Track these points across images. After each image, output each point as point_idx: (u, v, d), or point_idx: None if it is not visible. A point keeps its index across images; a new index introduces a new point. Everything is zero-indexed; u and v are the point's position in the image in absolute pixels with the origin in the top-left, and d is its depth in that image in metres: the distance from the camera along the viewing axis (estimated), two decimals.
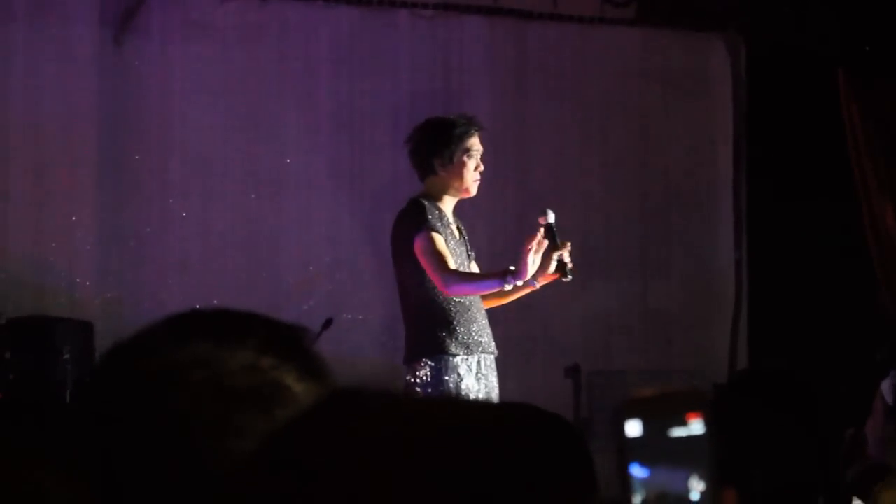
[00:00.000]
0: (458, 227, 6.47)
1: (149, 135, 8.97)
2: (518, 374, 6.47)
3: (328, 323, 7.85)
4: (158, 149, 8.98)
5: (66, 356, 7.68)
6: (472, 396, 6.18)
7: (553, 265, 6.34)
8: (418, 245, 6.23)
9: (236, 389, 1.45)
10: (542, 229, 6.28)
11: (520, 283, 6.13)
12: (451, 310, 6.26)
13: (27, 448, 1.43)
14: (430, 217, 6.24)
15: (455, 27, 9.63)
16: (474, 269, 6.50)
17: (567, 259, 6.29)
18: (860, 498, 4.08)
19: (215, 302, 8.45)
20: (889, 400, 5.31)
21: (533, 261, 6.18)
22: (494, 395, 6.30)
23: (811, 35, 9.29)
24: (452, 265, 6.20)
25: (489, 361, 6.38)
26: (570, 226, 9.34)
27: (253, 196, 9.09)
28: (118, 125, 8.88)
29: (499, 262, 6.62)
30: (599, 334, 9.71)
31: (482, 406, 1.24)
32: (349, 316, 8.95)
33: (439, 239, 6.22)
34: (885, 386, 5.50)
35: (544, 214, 6.37)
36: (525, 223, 6.57)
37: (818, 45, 9.30)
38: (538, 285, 6.29)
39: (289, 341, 1.52)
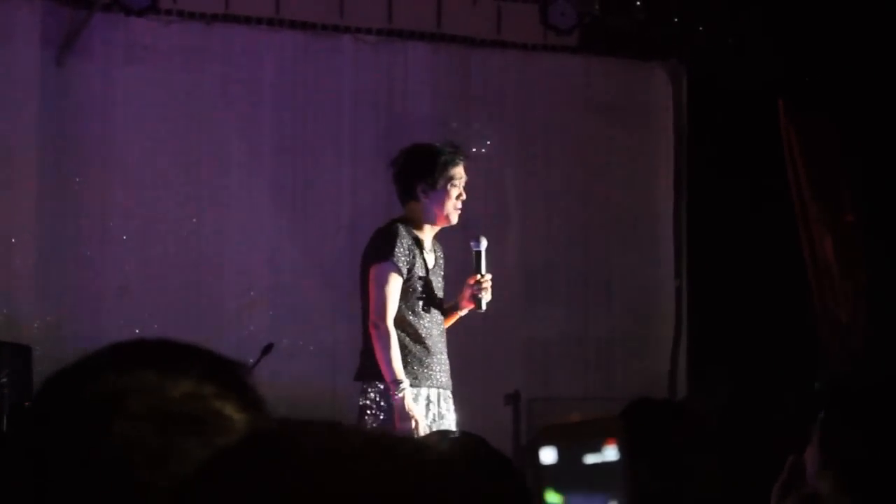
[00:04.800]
0: (435, 255, 6.45)
1: (90, 157, 8.91)
2: (458, 400, 6.45)
3: (268, 348, 7.82)
4: (100, 171, 8.92)
5: (4, 380, 7.59)
6: (420, 427, 6.16)
7: (468, 294, 6.39)
8: (373, 273, 6.21)
9: (178, 416, 1.46)
10: (473, 255, 6.36)
11: (399, 396, 6.16)
12: (406, 340, 6.24)
13: None
14: (397, 250, 6.20)
15: (399, 53, 9.65)
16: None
17: (484, 295, 6.32)
18: None
19: (155, 326, 8.41)
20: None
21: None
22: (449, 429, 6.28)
23: (752, 65, 9.36)
24: (391, 313, 6.19)
25: (444, 396, 6.37)
26: (511, 252, 9.39)
27: (195, 220, 9.05)
28: (59, 146, 8.82)
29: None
30: (540, 361, 9.73)
31: (423, 444, 1.24)
32: (290, 341, 8.92)
33: (395, 280, 6.20)
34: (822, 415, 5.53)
35: (476, 241, 6.40)
36: (465, 250, 6.58)
37: (759, 75, 9.37)
38: (483, 309, 6.37)
39: (229, 373, 1.53)
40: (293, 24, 9.41)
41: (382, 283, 6.18)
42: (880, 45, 8.91)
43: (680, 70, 10.20)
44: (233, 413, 1.49)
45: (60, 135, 8.84)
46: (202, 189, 9.14)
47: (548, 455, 1.15)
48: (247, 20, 9.32)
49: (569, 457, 1.14)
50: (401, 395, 6.10)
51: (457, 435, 4.46)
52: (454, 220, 6.34)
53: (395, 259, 6.17)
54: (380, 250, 6.23)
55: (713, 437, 3.24)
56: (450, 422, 6.34)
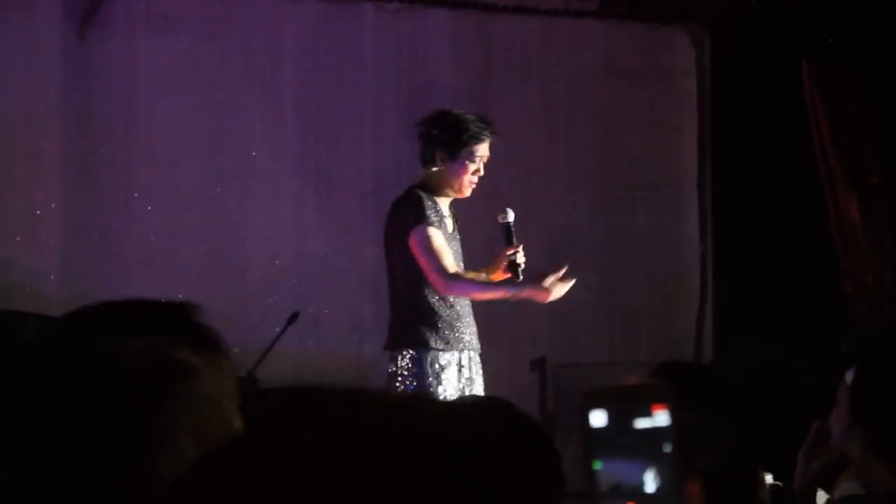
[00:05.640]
0: (453, 221, 6.45)
1: (113, 129, 8.92)
2: (484, 366, 6.46)
3: (294, 317, 7.85)
4: (123, 142, 8.93)
5: (20, 350, 7.61)
6: (450, 390, 6.17)
7: (506, 264, 6.39)
8: (414, 239, 6.19)
9: (136, 374, 1.49)
10: (503, 228, 6.35)
11: (523, 294, 6.18)
12: (436, 304, 6.23)
13: None
14: (427, 211, 6.21)
15: (420, 20, 9.62)
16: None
17: (520, 260, 6.33)
18: (824, 489, 4.09)
19: (180, 296, 8.41)
20: None
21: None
22: (478, 392, 6.29)
23: (775, 27, 9.31)
24: (450, 263, 6.19)
25: (475, 358, 6.37)
26: (535, 218, 9.37)
27: (218, 190, 9.06)
28: (82, 119, 8.83)
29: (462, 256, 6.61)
30: (565, 327, 9.72)
31: (450, 405, 1.24)
32: (315, 310, 8.93)
33: (437, 235, 6.19)
34: (850, 377, 5.51)
35: (503, 213, 6.39)
36: (488, 217, 6.57)
37: (782, 36, 9.32)
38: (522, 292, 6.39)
39: (178, 319, 1.59)
40: None
41: (427, 244, 6.17)
42: None
43: (702, 33, 10.15)
44: (189, 357, 1.54)
45: (83, 107, 8.85)
46: (225, 159, 9.14)
47: (598, 418, 1.14)
48: None
49: (619, 420, 1.14)
50: (521, 288, 6.13)
51: (483, 398, 4.47)
52: (467, 193, 6.35)
53: (428, 220, 6.18)
54: (409, 217, 6.22)
55: (740, 399, 3.23)
56: (478, 385, 6.35)
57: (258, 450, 1.19)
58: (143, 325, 1.56)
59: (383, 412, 1.19)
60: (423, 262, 6.19)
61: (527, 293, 6.21)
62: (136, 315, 1.59)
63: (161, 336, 1.55)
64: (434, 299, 6.22)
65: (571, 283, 6.26)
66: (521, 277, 6.33)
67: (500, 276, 6.41)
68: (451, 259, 6.20)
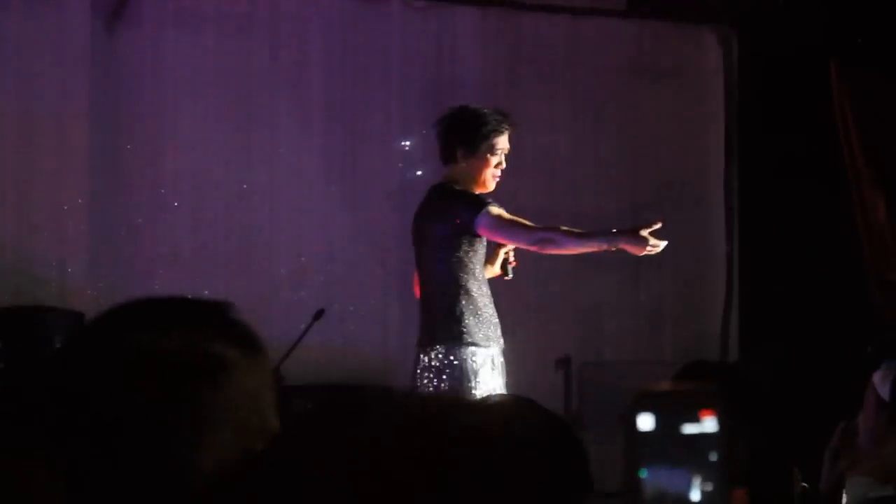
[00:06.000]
0: None
1: (140, 124, 8.95)
2: (509, 364, 6.45)
3: (320, 313, 7.86)
4: (150, 138, 8.96)
5: (58, 346, 7.65)
6: (483, 389, 6.14)
7: (499, 262, 6.39)
8: (487, 223, 6.11)
9: (177, 368, 1.53)
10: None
11: (619, 244, 6.12)
12: (475, 301, 6.18)
13: (17, 443, 1.50)
14: (479, 196, 6.18)
15: (447, 17, 9.62)
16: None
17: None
18: None
19: (206, 292, 8.45)
20: (882, 392, 5.32)
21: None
22: (502, 390, 6.26)
23: (802, 27, 9.28)
24: (529, 223, 6.14)
25: (499, 356, 6.34)
26: (561, 217, 9.36)
27: (245, 186, 9.08)
28: (110, 114, 8.86)
29: None
30: (591, 326, 9.72)
31: (477, 405, 1.24)
32: (340, 306, 8.94)
33: (500, 209, 6.16)
34: (877, 378, 5.50)
35: None
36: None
37: (810, 37, 9.29)
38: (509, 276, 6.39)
39: (215, 315, 1.63)
40: None
41: (501, 222, 6.12)
42: None
43: (730, 33, 10.13)
44: (225, 351, 1.57)
45: (111, 102, 8.87)
46: (252, 155, 9.16)
47: (646, 422, 1.13)
48: None
49: (667, 425, 1.13)
50: (616, 239, 6.09)
51: (510, 397, 4.47)
52: (491, 187, 6.31)
53: (486, 202, 6.13)
54: (469, 204, 6.15)
55: (766, 400, 3.22)
56: (502, 383, 6.33)
57: (296, 451, 1.20)
58: (179, 320, 1.58)
59: (414, 413, 1.20)
60: (509, 239, 6.17)
61: (623, 244, 6.13)
62: (173, 311, 1.62)
63: (198, 331, 1.57)
64: (473, 295, 6.17)
65: (664, 243, 6.18)
66: (511, 276, 6.33)
67: (493, 273, 6.42)
68: (524, 220, 6.15)
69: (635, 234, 6.11)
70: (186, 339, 1.56)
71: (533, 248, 6.14)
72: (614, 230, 6.16)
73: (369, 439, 1.17)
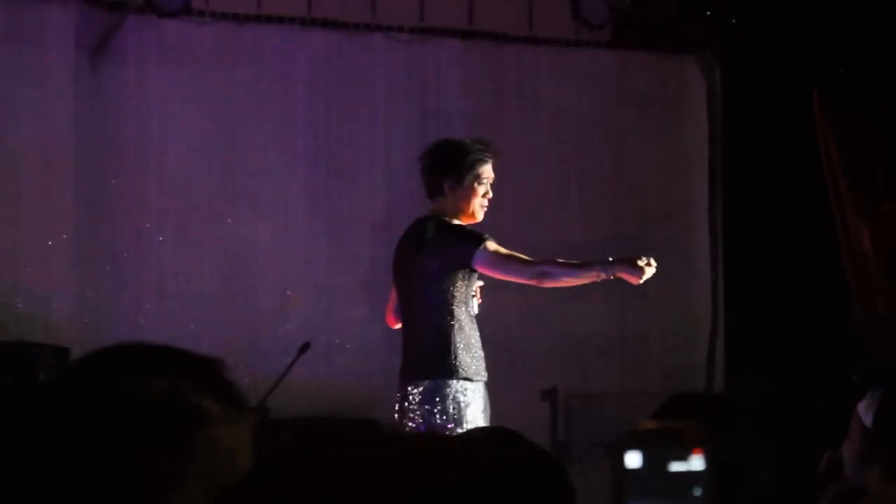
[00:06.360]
0: None
1: (125, 158, 8.95)
2: (495, 395, 6.42)
3: (305, 347, 7.85)
4: (135, 172, 8.96)
5: (42, 381, 7.62)
6: (472, 423, 6.10)
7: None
8: (485, 259, 6.05)
9: (155, 415, 1.55)
10: None
11: (615, 274, 6.08)
12: (468, 335, 6.14)
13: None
14: (475, 230, 6.16)
15: (431, 50, 9.65)
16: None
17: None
18: None
19: (192, 326, 8.44)
20: (866, 421, 5.31)
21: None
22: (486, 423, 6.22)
23: (785, 57, 9.32)
24: (526, 257, 6.11)
25: (484, 388, 6.31)
26: (546, 248, 9.37)
27: (230, 220, 9.07)
28: (95, 149, 8.86)
29: None
30: (577, 357, 9.71)
31: (461, 440, 1.24)
32: (326, 340, 8.93)
33: (494, 243, 6.13)
34: (862, 407, 5.49)
35: None
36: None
37: (793, 66, 9.33)
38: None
39: (203, 369, 1.64)
40: (325, 24, 9.42)
41: (498, 258, 6.09)
42: None
43: (713, 63, 10.17)
44: (209, 404, 1.58)
45: (95, 137, 8.88)
46: (237, 189, 9.16)
47: (633, 459, 1.14)
48: (279, 20, 9.34)
49: (654, 462, 1.13)
50: (612, 268, 6.09)
51: (495, 430, 4.45)
52: (480, 217, 6.28)
53: (483, 237, 6.10)
54: (465, 238, 6.12)
55: (751, 429, 3.22)
56: (489, 415, 6.30)
57: (270, 483, 1.20)
58: (171, 369, 1.59)
59: (399, 446, 1.20)
60: (506, 275, 6.13)
61: (619, 272, 6.11)
62: (163, 359, 1.63)
63: (186, 382, 1.59)
64: (469, 328, 6.14)
65: (654, 268, 6.16)
66: (476, 311, 6.27)
67: None
68: (520, 255, 6.12)
69: (632, 262, 6.10)
70: (170, 387, 1.56)
71: (532, 283, 6.12)
72: (611, 259, 6.14)
73: (348, 471, 1.17)
